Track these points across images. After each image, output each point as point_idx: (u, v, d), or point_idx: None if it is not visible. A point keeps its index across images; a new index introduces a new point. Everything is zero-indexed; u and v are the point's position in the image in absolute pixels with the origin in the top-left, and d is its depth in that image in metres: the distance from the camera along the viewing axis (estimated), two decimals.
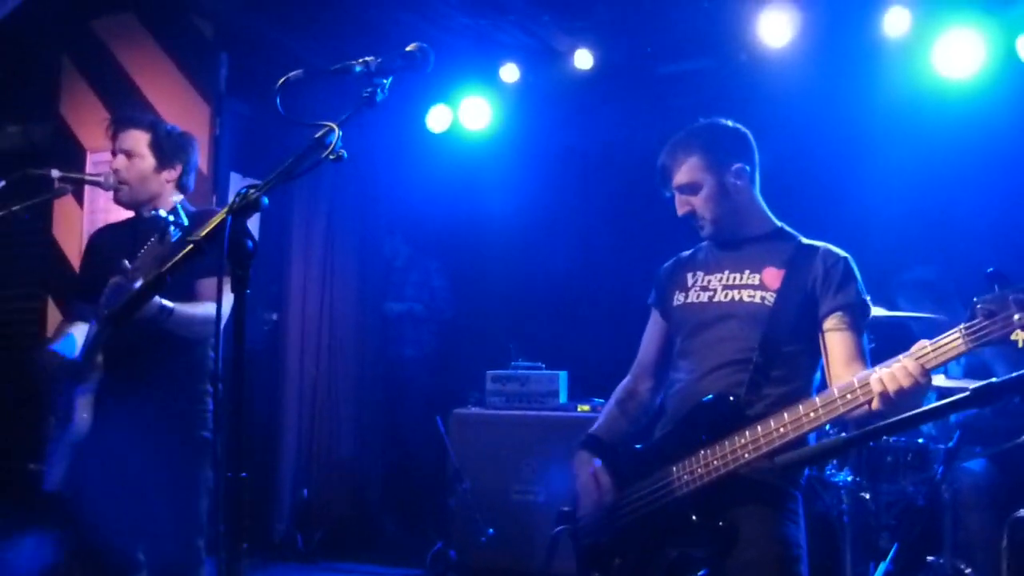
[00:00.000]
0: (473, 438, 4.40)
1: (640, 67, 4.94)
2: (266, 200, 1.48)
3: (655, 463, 2.04)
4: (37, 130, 5.35)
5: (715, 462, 1.92)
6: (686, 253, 2.31)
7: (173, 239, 2.20)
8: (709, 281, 2.15)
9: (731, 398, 1.98)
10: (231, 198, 4.55)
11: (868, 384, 1.73)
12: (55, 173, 2.70)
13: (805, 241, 2.15)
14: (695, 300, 2.15)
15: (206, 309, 2.49)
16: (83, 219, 4.75)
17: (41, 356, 2.57)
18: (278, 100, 1.63)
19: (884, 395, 1.70)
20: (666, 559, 1.98)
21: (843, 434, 1.40)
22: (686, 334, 2.15)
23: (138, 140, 2.69)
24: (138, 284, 2.23)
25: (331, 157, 1.57)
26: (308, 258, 5.24)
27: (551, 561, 2.79)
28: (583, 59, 4.82)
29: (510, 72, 4.96)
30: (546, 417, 4.35)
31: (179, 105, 4.58)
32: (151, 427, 2.51)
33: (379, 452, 5.34)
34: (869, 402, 1.74)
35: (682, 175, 2.14)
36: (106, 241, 2.79)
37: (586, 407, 4.31)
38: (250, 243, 1.49)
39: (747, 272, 2.11)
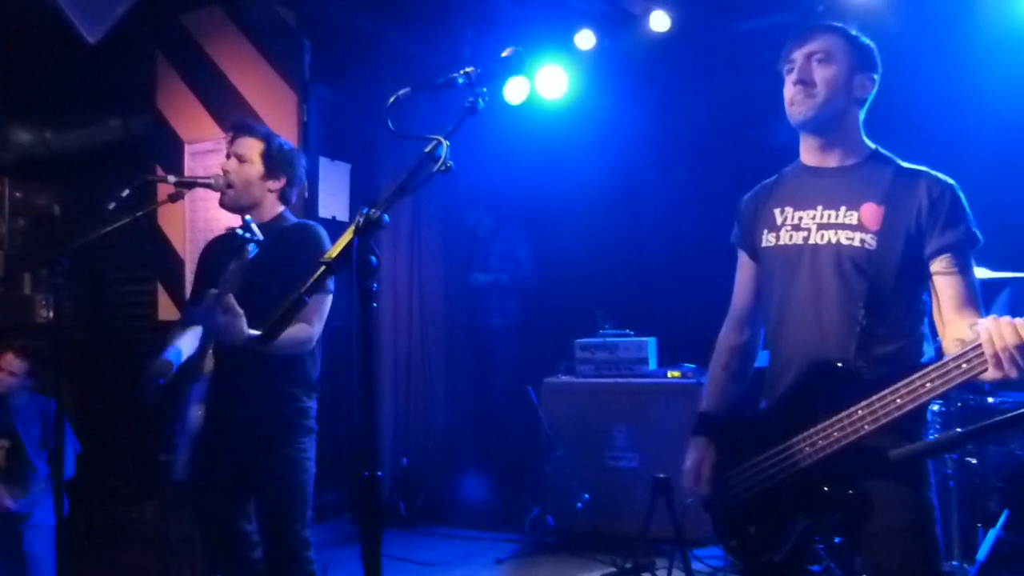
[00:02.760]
0: (565, 406, 4.38)
1: (718, 26, 4.73)
2: (387, 218, 1.52)
3: (772, 433, 1.93)
4: (136, 123, 5.49)
5: (835, 433, 1.80)
6: (769, 181, 2.12)
7: (251, 255, 2.32)
8: (800, 219, 1.97)
9: (840, 364, 1.86)
10: (320, 183, 4.46)
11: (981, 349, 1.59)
12: (171, 179, 2.81)
13: (905, 165, 1.96)
14: (788, 242, 1.97)
15: (298, 330, 2.55)
16: (185, 208, 4.89)
17: (153, 364, 2.66)
18: (389, 120, 1.65)
19: (995, 357, 1.57)
20: (798, 527, 1.90)
21: (958, 429, 1.30)
22: (781, 280, 1.99)
23: (251, 147, 2.80)
24: (224, 300, 2.35)
25: (442, 169, 1.57)
26: (396, 232, 5.24)
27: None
28: (659, 21, 4.64)
29: (585, 39, 4.82)
30: (636, 384, 4.30)
31: (267, 93, 4.64)
32: (256, 421, 2.63)
33: (472, 421, 5.37)
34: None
35: (819, 44, 1.97)
36: (211, 253, 2.92)
37: (676, 373, 4.25)
38: (374, 259, 1.52)
39: (843, 209, 1.93)
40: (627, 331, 4.49)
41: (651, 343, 4.42)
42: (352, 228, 1.53)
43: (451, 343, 5.37)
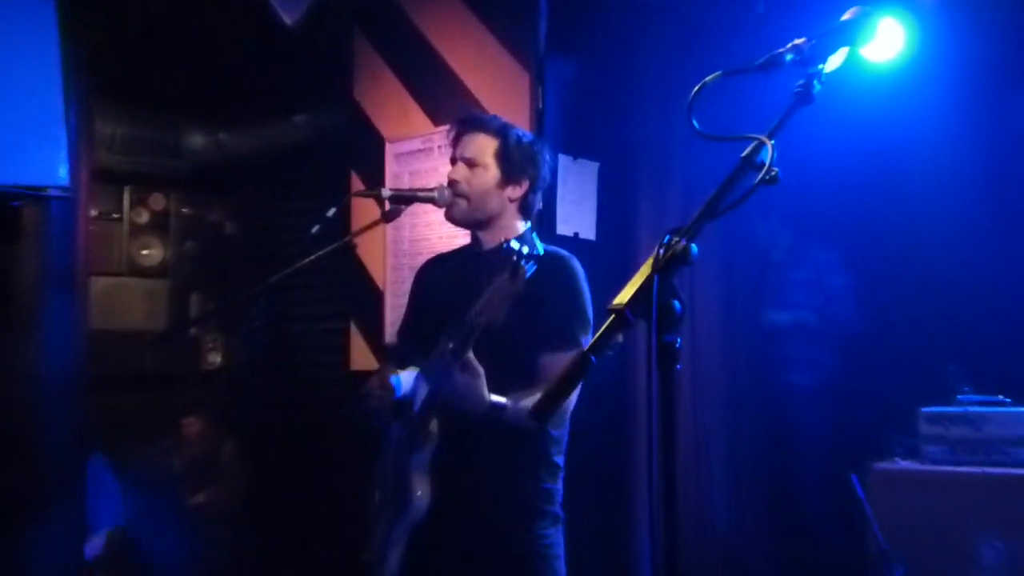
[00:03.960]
0: (906, 504, 4.21)
1: None
2: (695, 249, 1.58)
3: None
4: (327, 119, 6.00)
5: None
6: None
7: (528, 274, 2.40)
8: None
9: None
10: (559, 188, 4.65)
11: None
12: (386, 192, 3.05)
13: None
14: None
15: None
16: (386, 228, 5.18)
17: (369, 386, 2.95)
18: (692, 116, 1.70)
19: None
20: None
21: None
22: None
23: (483, 147, 2.99)
24: (466, 357, 2.48)
25: (766, 180, 1.64)
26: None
27: None
28: None
29: None
30: (1017, 477, 4.05)
31: (491, 73, 4.92)
32: (491, 505, 2.82)
33: (766, 518, 5.24)
34: None
35: None
36: (437, 277, 3.15)
37: None
38: (678, 305, 1.58)
39: None
40: (1000, 398, 4.27)
41: None
42: (650, 262, 1.59)
43: (735, 409, 5.28)
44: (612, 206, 5.11)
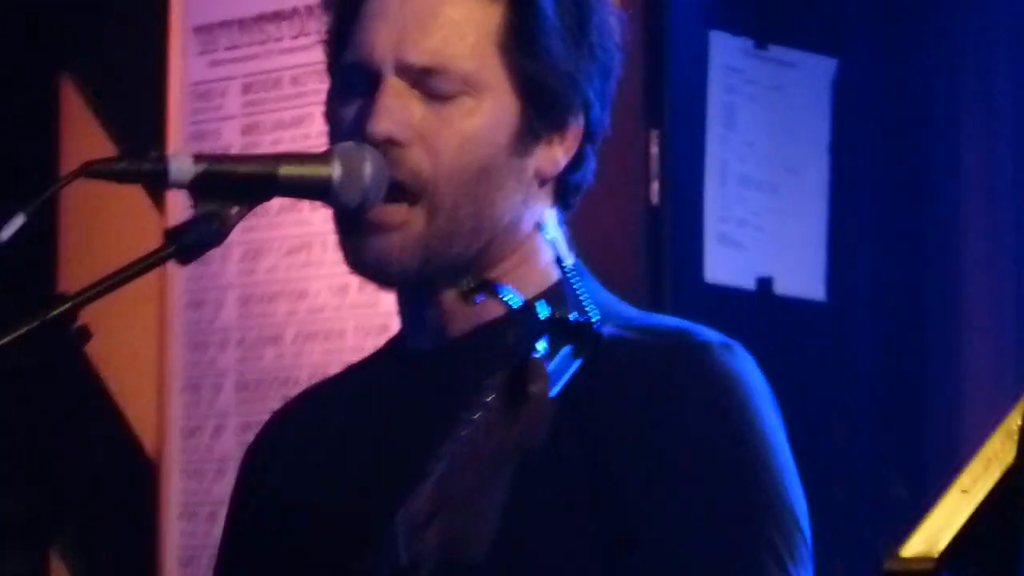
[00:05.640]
0: None
1: None
2: None
3: None
4: None
5: None
6: None
7: (555, 386, 1.82)
8: None
9: None
10: (711, 137, 5.22)
11: None
12: (181, 167, 2.07)
13: None
14: None
15: None
16: (171, 286, 4.74)
17: None
18: None
19: None
20: None
21: None
22: None
23: (464, 29, 2.26)
24: None
25: None
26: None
27: None
28: None
29: None
30: None
31: None
32: None
33: None
34: None
35: None
36: (316, 445, 2.56)
37: None
38: None
39: None
40: None
41: None
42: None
43: None
44: (873, 198, 4.53)
